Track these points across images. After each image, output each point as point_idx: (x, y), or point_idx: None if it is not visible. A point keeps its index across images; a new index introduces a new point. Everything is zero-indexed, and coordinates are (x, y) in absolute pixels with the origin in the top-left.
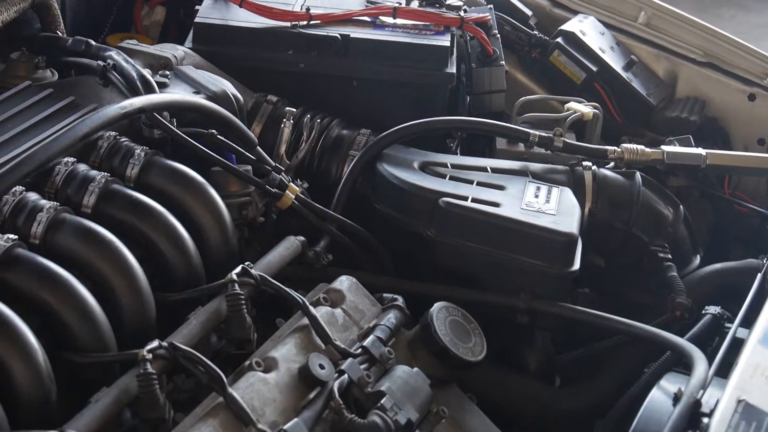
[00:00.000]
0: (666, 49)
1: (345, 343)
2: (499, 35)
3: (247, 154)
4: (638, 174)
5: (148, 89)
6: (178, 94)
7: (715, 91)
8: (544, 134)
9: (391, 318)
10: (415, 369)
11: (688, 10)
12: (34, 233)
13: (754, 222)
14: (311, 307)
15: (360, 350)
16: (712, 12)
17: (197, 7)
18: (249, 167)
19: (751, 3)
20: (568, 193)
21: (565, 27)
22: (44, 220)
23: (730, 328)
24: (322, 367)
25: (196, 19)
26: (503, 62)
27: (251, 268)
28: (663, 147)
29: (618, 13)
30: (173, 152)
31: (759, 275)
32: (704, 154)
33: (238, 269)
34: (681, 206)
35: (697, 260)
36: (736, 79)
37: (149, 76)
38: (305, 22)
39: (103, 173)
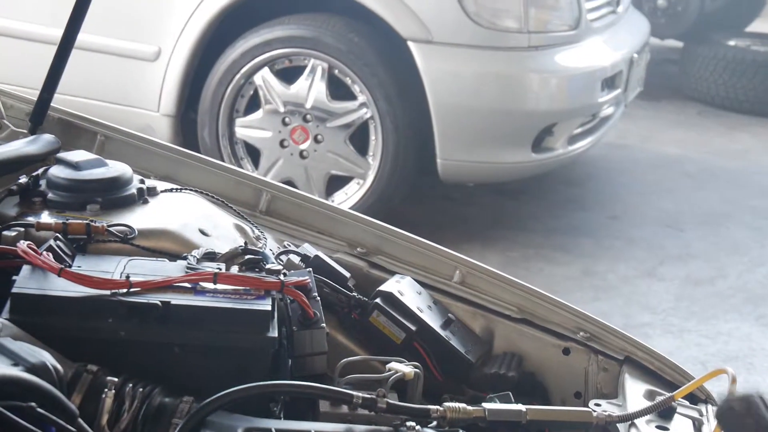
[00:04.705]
0: (481, 307)
1: None
2: (318, 298)
3: (68, 426)
4: None
5: None
6: None
7: (530, 347)
8: (367, 395)
9: None
10: None
11: (497, 264)
12: None
13: None
14: None
15: None
16: (520, 266)
17: (14, 277)
18: None
19: (558, 256)
20: None
21: (383, 288)
22: None
23: None
24: None
25: (13, 290)
26: (324, 324)
27: None
28: (484, 404)
29: (433, 272)
30: None
31: None
32: (524, 410)
33: None
34: None
35: None
36: (551, 334)
37: None
38: (125, 290)
39: None
